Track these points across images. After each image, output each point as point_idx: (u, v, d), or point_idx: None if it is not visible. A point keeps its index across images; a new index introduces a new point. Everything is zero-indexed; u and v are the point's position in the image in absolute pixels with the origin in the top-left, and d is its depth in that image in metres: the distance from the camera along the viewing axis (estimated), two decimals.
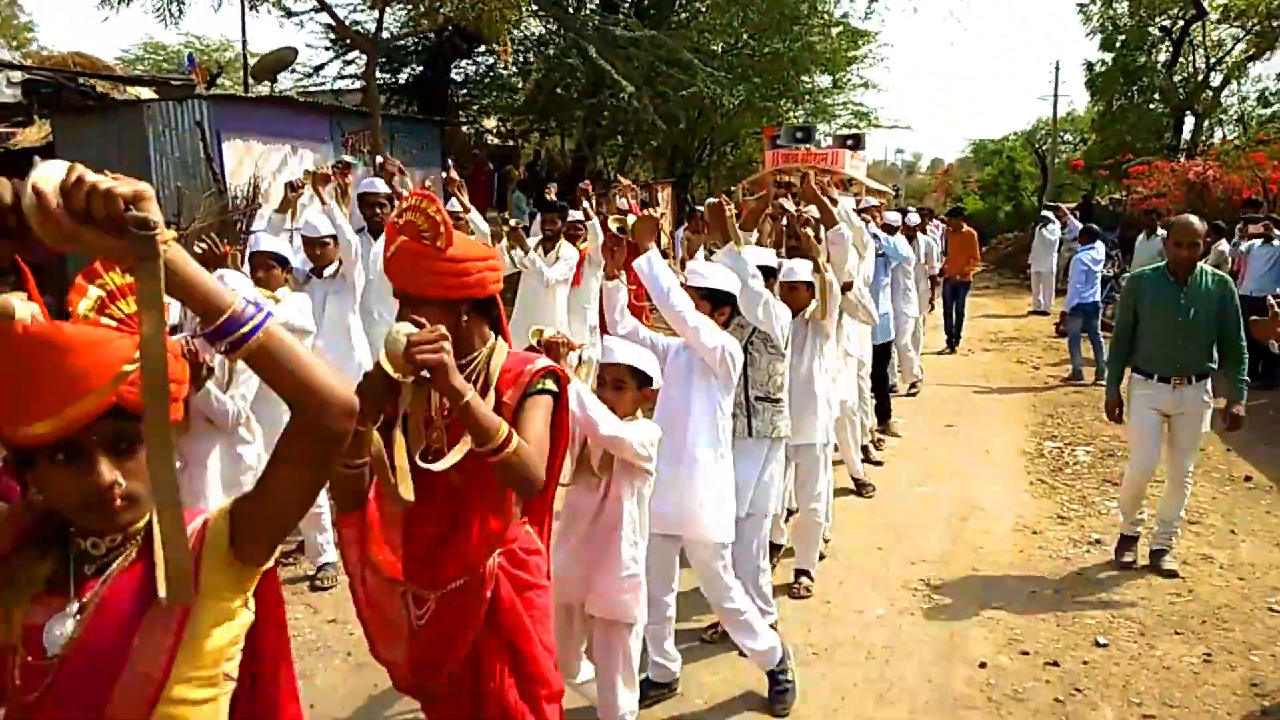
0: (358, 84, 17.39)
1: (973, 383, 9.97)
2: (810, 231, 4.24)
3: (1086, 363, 9.91)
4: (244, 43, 17.96)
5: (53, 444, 1.21)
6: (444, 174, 5.86)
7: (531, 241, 6.29)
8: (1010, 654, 3.96)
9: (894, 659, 3.92)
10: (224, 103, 10.35)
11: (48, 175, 1.00)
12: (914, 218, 10.05)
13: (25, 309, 1.19)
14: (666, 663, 3.53)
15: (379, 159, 6.08)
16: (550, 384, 2.14)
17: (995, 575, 4.82)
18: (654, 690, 3.50)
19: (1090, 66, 24.12)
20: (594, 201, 7.04)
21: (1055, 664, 3.84)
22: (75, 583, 1.29)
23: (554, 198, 7.26)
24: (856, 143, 10.55)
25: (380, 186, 5.78)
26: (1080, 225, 11.84)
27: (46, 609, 1.28)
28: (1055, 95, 27.83)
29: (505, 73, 15.47)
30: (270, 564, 1.39)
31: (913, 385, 9.34)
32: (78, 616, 1.27)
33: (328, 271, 4.99)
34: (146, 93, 17.17)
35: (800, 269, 4.26)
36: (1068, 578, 4.78)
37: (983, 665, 3.84)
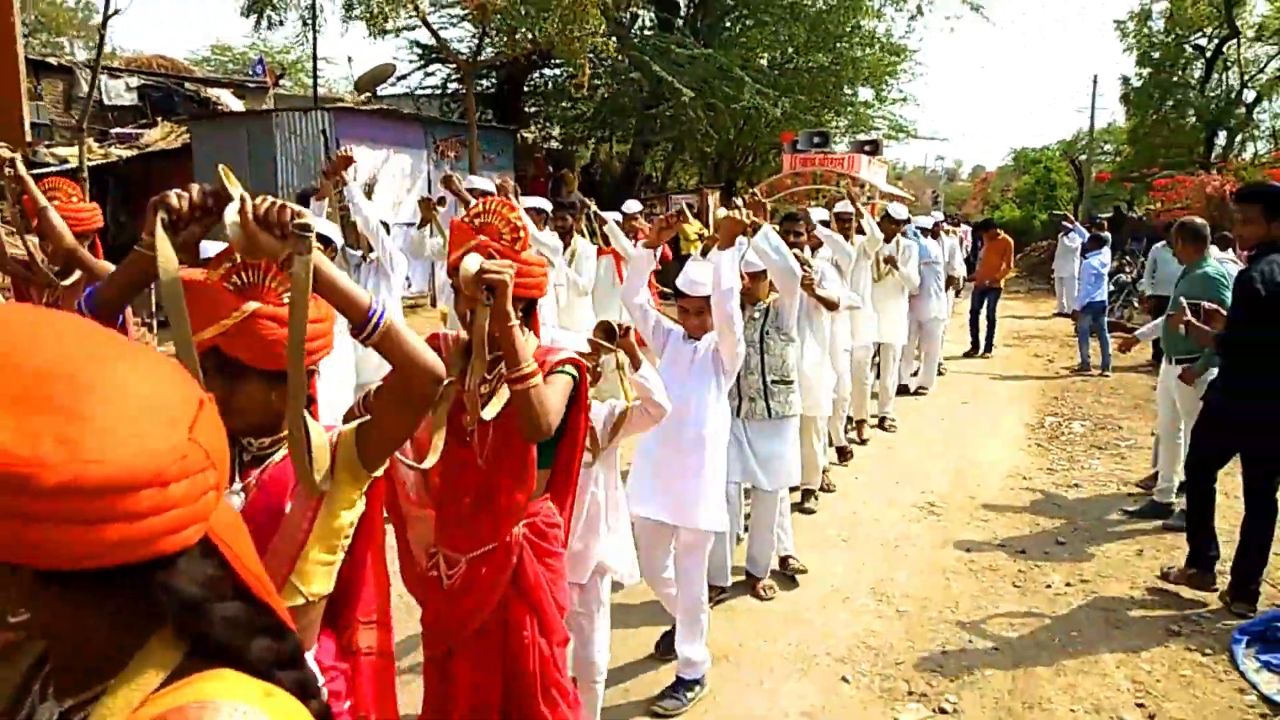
0: (436, 92, 19.00)
1: (990, 371, 11.22)
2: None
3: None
4: (314, 53, 19.15)
5: (202, 355, 1.55)
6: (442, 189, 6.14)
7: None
8: (991, 545, 5.31)
9: (902, 545, 5.30)
10: (341, 113, 11.90)
11: (243, 194, 1.42)
12: (934, 217, 10.83)
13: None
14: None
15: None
16: (570, 370, 2.31)
17: (987, 502, 6.16)
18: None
19: (1126, 81, 25.12)
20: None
21: (1023, 552, 5.19)
22: (240, 469, 1.71)
23: (587, 202, 7.42)
24: (874, 148, 10.87)
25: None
26: (1087, 233, 13.03)
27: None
28: (1092, 108, 28.70)
29: (572, 88, 16.97)
30: (380, 472, 1.75)
31: (920, 388, 9.59)
32: (241, 495, 1.69)
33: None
34: (227, 94, 18.94)
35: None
36: (1046, 505, 6.10)
37: (969, 550, 5.21)
